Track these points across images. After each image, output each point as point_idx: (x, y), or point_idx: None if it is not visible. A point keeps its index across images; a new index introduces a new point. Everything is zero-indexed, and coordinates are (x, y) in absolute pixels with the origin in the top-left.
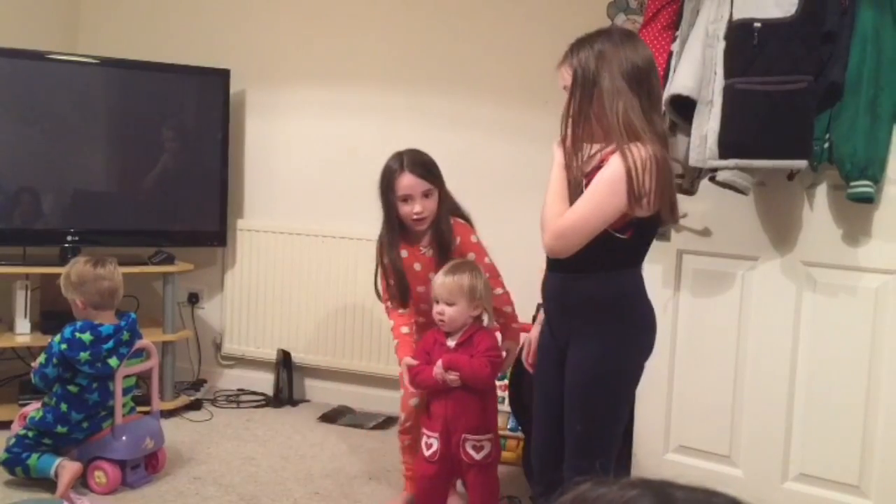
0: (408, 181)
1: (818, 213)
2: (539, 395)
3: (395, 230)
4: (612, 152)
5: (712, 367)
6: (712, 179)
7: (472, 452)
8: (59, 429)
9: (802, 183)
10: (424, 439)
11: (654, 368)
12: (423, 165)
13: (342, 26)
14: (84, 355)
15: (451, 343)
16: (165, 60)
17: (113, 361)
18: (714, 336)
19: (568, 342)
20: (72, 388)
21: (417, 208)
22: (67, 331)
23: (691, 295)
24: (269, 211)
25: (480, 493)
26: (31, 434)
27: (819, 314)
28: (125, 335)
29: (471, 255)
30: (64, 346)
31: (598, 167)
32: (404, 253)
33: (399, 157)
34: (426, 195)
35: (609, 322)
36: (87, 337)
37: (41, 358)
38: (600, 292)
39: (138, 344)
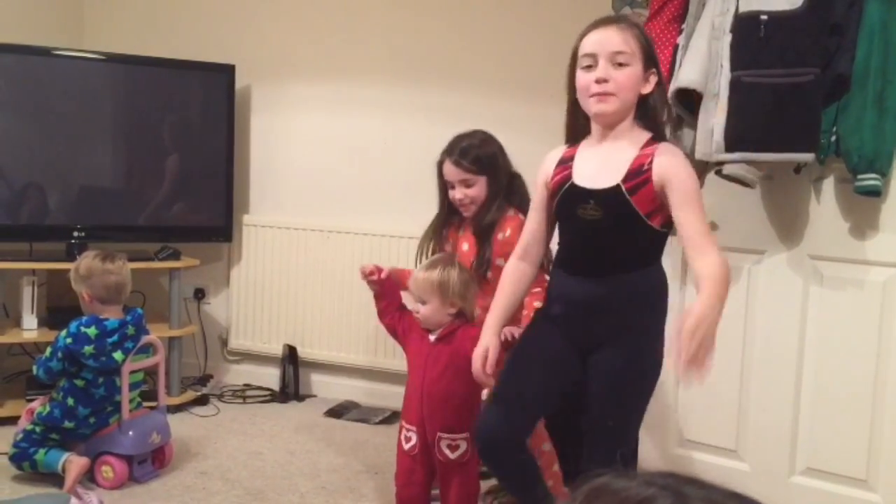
0: (447, 169)
1: (825, 207)
2: (533, 379)
3: (443, 214)
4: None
5: (719, 361)
6: (718, 173)
7: (446, 451)
8: (67, 424)
9: (809, 176)
10: (403, 432)
11: None
12: (465, 153)
13: (348, 22)
14: (88, 349)
15: (432, 338)
16: (171, 56)
17: (118, 356)
18: (720, 330)
19: (597, 344)
20: (78, 381)
21: (458, 195)
22: (73, 325)
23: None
24: (275, 206)
25: (457, 493)
26: (38, 429)
27: (826, 308)
28: (130, 329)
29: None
30: (69, 341)
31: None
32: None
33: (450, 143)
34: (466, 184)
35: (648, 316)
36: (92, 331)
37: (47, 352)
38: (644, 288)
39: (145, 339)
